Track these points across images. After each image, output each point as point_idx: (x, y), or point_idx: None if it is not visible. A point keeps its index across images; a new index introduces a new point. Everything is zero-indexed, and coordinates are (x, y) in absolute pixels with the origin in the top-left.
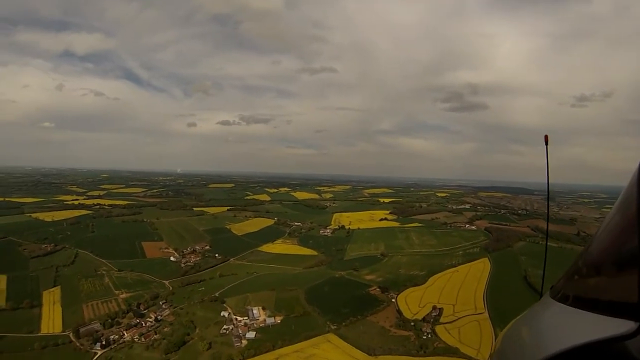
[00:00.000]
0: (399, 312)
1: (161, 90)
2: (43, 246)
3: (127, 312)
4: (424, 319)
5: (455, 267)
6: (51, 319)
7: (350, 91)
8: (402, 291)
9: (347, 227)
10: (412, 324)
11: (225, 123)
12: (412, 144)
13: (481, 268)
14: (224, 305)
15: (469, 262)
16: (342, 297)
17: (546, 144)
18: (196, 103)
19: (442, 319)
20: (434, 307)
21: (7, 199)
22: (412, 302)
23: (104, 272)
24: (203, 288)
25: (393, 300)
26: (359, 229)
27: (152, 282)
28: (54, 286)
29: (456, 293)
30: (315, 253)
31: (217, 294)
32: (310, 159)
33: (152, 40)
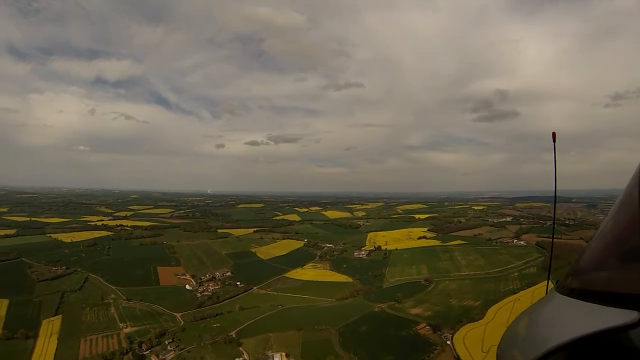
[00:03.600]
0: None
1: (189, 112)
2: (54, 269)
3: (126, 353)
4: None
5: (515, 293)
6: (43, 353)
7: (377, 107)
8: (457, 329)
9: (383, 247)
10: None
11: (253, 143)
12: (442, 158)
13: None
14: (240, 348)
15: (529, 286)
16: (384, 339)
17: (554, 141)
18: (224, 124)
19: None
20: None
21: (33, 219)
22: (473, 345)
23: (111, 300)
24: (218, 324)
25: (448, 342)
26: (396, 249)
27: (162, 315)
28: (56, 315)
29: None
30: (349, 280)
31: (233, 333)
32: (341, 177)
33: (179, 65)
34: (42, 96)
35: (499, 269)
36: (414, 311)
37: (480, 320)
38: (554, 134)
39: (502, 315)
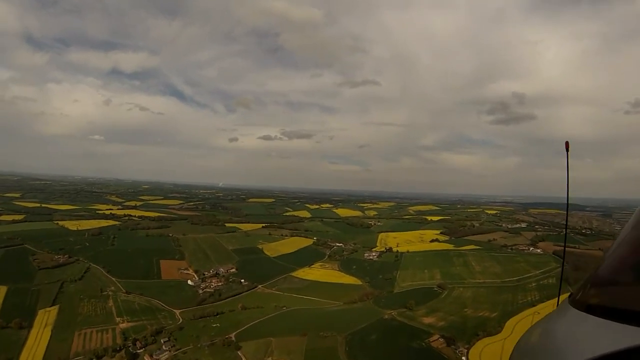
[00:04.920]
0: None
1: (204, 105)
2: (56, 257)
3: (120, 350)
4: None
5: (533, 305)
6: (35, 345)
7: (392, 106)
8: (473, 344)
9: (394, 249)
10: None
11: (267, 138)
12: (456, 159)
13: None
14: (239, 352)
15: (549, 298)
16: (394, 350)
17: (567, 150)
18: (238, 118)
19: None
20: None
21: (43, 205)
22: None
23: (110, 292)
24: (218, 324)
25: (463, 358)
26: (408, 252)
27: (161, 311)
28: (53, 305)
29: None
30: (359, 282)
31: (232, 335)
32: (353, 175)
33: (195, 58)
34: (60, 86)
35: (515, 278)
36: (427, 320)
37: (498, 334)
38: (567, 143)
39: (520, 329)
